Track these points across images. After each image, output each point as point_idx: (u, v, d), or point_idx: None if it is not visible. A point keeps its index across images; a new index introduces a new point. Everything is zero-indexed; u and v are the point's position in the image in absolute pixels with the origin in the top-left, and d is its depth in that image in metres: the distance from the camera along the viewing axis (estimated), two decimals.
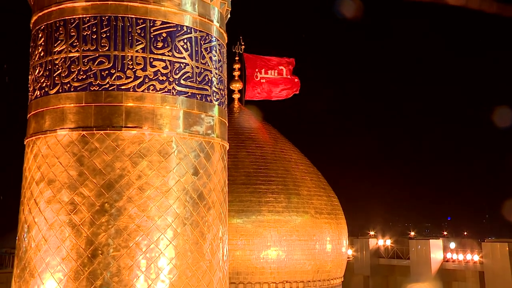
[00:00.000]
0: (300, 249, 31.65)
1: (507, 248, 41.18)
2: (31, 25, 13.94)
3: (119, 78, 12.50)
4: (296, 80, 35.86)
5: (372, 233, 57.62)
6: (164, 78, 12.73)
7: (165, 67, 12.77)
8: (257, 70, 34.95)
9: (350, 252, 45.34)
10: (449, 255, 46.51)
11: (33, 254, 12.52)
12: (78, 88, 12.56)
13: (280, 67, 35.37)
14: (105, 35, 12.63)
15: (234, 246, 29.82)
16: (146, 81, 12.59)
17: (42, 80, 13.06)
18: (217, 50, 13.93)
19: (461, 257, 45.62)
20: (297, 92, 36.10)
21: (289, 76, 35.72)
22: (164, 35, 12.87)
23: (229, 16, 14.99)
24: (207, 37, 13.56)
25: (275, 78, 35.31)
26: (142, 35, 12.71)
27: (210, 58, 13.60)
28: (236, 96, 35.57)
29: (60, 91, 12.70)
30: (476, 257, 44.34)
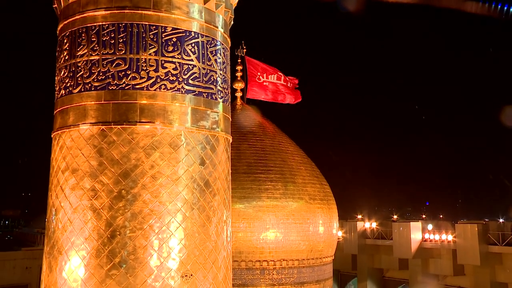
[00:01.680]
0: (296, 231, 31.58)
1: (476, 229, 41.59)
2: (57, 32, 13.87)
3: (134, 78, 12.41)
4: (295, 93, 35.78)
5: (359, 216, 57.55)
6: (174, 78, 12.63)
7: (175, 68, 12.67)
8: (258, 73, 34.92)
9: (340, 233, 45.24)
10: (427, 236, 46.51)
11: (60, 234, 12.52)
12: (98, 88, 12.50)
13: (279, 74, 35.33)
14: (122, 40, 12.56)
15: (236, 229, 29.79)
16: (158, 81, 12.50)
17: (66, 81, 13.00)
18: (222, 53, 13.81)
19: (437, 237, 45.67)
20: (299, 100, 36.04)
21: (289, 85, 35.65)
22: (174, 39, 12.77)
23: (232, 22, 14.85)
24: (212, 42, 13.45)
25: (276, 83, 35.26)
26: (155, 40, 12.61)
27: (215, 60, 13.49)
28: (239, 94, 35.59)
29: (82, 90, 12.65)
30: (450, 237, 44.48)
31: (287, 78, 35.55)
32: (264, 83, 34.96)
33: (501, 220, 67.36)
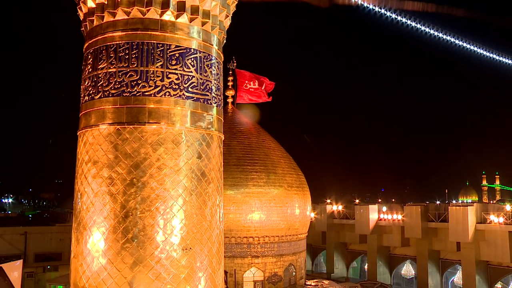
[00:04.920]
0: (276, 213, 31.61)
1: (420, 210, 42.31)
2: (83, 50, 13.67)
3: (144, 86, 12.28)
4: (269, 96, 36.17)
5: (328, 201, 57.38)
6: (177, 86, 12.49)
7: (177, 79, 12.53)
8: (246, 81, 34.99)
9: (312, 214, 45.13)
10: (382, 216, 46.64)
11: (84, 214, 12.46)
12: (114, 94, 12.37)
13: (260, 80, 35.48)
14: (134, 55, 12.42)
15: (227, 211, 29.78)
16: (163, 89, 12.36)
17: (89, 89, 12.87)
18: (216, 66, 13.63)
19: (389, 217, 45.83)
20: (269, 100, 36.35)
21: (264, 91, 35.90)
22: (177, 55, 12.64)
23: (225, 41, 14.66)
24: (208, 57, 13.29)
25: (257, 89, 35.42)
26: (161, 55, 12.47)
27: (211, 72, 13.32)
28: (230, 100, 35.72)
29: (102, 96, 12.52)
30: (400, 217, 44.76)
31: (265, 82, 35.74)
32: (250, 89, 35.07)
33: (437, 202, 68.48)
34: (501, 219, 37.84)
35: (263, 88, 35.33)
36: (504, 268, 38.71)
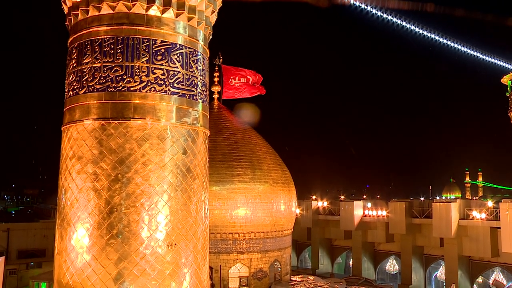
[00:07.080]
0: (262, 209, 31.64)
1: (404, 206, 42.61)
2: (68, 44, 13.55)
3: (129, 82, 12.21)
4: (261, 87, 35.85)
5: (313, 197, 57.38)
6: (162, 82, 12.44)
7: (163, 74, 12.47)
8: (231, 77, 34.88)
9: (297, 210, 45.16)
10: (366, 212, 46.79)
11: (68, 210, 12.37)
12: (99, 89, 12.27)
13: (248, 77, 35.31)
14: (119, 50, 12.34)
15: (213, 207, 29.75)
16: (149, 84, 12.30)
17: (74, 84, 12.75)
18: (202, 61, 13.59)
19: (374, 213, 46.00)
20: (262, 93, 36.12)
21: (256, 85, 35.70)
22: (163, 50, 12.57)
23: (211, 37, 14.64)
24: (194, 52, 13.25)
25: (244, 84, 35.28)
26: (147, 50, 12.40)
27: (196, 67, 13.28)
28: (216, 96, 35.63)
29: (87, 91, 12.41)
30: (384, 213, 44.94)
31: (255, 77, 35.55)
32: (236, 85, 34.93)
33: (421, 199, 68.77)
34: (483, 215, 38.31)
35: (250, 82, 35.17)
36: (485, 263, 39.23)
